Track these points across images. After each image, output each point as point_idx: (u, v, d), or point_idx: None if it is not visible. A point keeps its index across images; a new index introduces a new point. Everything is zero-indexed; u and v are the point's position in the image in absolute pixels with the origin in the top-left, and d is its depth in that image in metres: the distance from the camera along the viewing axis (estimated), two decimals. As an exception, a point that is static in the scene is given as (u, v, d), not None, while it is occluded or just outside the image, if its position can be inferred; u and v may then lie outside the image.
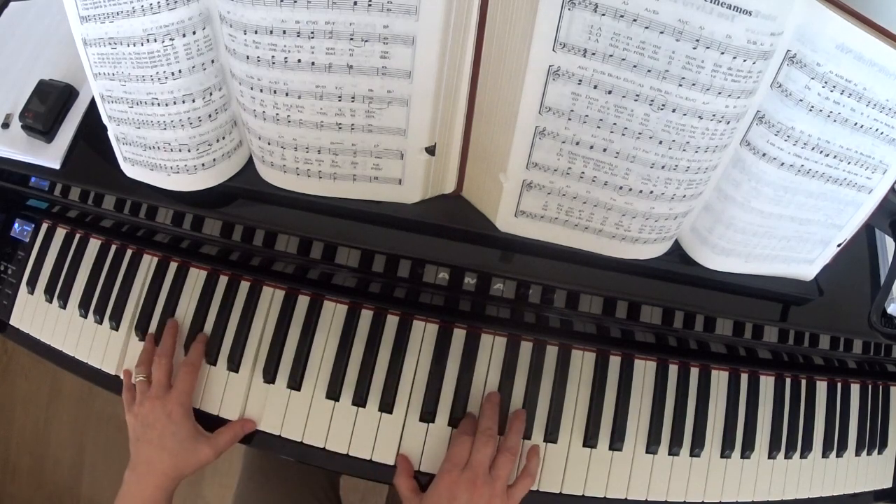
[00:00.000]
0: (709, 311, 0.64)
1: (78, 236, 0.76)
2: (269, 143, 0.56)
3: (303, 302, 0.70)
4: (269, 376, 0.68)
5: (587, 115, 0.48)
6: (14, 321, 0.77)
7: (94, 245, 0.76)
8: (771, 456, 0.71)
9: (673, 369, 0.70)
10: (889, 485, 0.77)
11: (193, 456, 0.63)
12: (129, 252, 0.74)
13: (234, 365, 0.69)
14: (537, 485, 0.65)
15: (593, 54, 0.44)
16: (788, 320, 0.64)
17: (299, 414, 0.67)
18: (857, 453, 0.75)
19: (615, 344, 0.70)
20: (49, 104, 0.67)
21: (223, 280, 0.72)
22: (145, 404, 0.64)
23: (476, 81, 0.51)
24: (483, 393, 0.67)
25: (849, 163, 0.51)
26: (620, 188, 0.52)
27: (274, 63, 0.49)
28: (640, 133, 0.48)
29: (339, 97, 0.51)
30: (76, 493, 1.56)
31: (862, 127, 0.48)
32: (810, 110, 0.47)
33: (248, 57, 0.50)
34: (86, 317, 0.74)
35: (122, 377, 0.69)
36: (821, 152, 0.49)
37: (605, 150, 0.50)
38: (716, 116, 0.47)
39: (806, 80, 0.46)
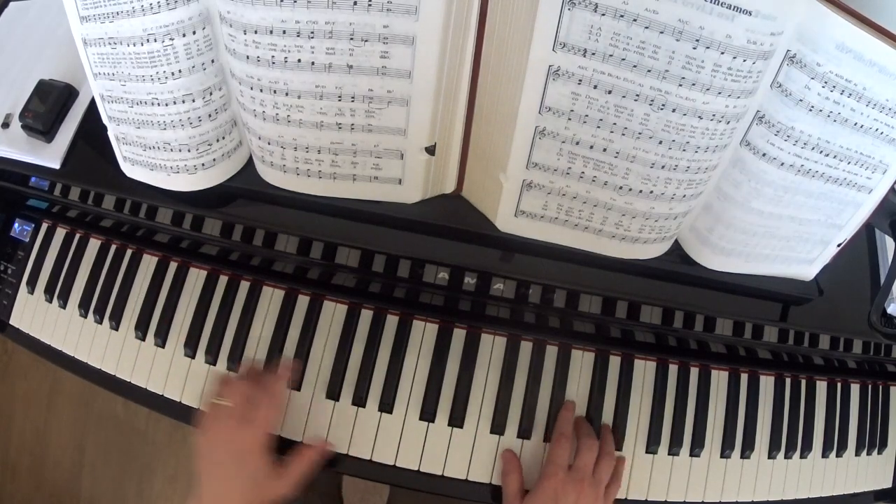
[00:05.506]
0: (709, 311, 0.65)
1: (78, 236, 0.76)
2: (269, 143, 0.56)
3: (303, 302, 0.70)
4: (269, 376, 0.68)
5: (587, 115, 0.48)
6: (14, 321, 0.77)
7: (94, 245, 0.76)
8: (771, 456, 0.71)
9: (673, 369, 0.70)
10: (889, 485, 0.77)
11: (268, 493, 0.60)
12: (129, 252, 0.74)
13: (233, 365, 0.69)
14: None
15: (593, 54, 0.44)
16: (788, 320, 0.64)
17: (299, 414, 0.67)
18: (857, 453, 0.75)
19: (615, 344, 0.70)
20: (49, 104, 0.67)
21: (223, 280, 0.72)
22: (223, 434, 0.60)
23: (476, 81, 0.51)
24: (483, 393, 0.67)
25: (849, 163, 0.51)
26: (620, 188, 0.52)
27: (274, 63, 0.49)
28: (640, 133, 0.48)
29: (339, 97, 0.51)
30: (76, 493, 1.56)
31: (862, 127, 0.48)
32: (810, 110, 0.47)
33: (248, 57, 0.50)
34: (86, 317, 0.74)
35: (199, 407, 0.68)
36: (821, 152, 0.49)
37: (605, 149, 0.50)
38: (716, 116, 0.47)
39: (806, 80, 0.46)
